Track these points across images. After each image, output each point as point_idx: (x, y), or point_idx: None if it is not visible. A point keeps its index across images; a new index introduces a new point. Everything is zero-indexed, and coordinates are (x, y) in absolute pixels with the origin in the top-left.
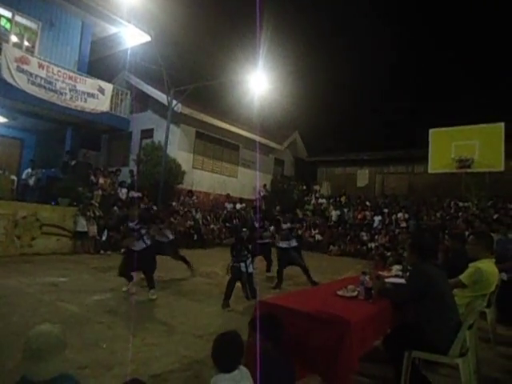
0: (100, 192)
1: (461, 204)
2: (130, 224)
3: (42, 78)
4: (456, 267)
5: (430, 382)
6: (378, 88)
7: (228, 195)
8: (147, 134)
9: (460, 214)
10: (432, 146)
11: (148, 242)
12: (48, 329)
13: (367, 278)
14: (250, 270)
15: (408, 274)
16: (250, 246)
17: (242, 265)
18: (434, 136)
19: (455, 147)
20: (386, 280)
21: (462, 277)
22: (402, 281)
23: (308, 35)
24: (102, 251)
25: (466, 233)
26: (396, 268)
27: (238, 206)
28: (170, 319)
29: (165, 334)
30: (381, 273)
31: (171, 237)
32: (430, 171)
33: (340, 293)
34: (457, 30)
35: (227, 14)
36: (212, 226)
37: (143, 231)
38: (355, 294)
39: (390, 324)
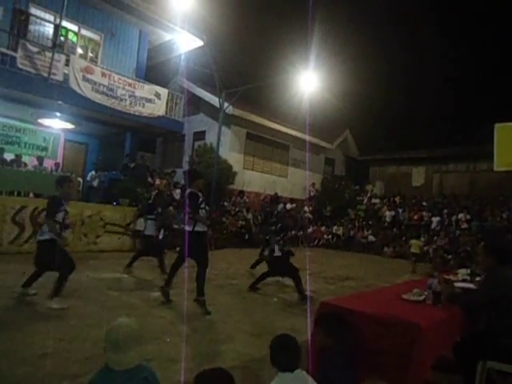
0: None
1: None
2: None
3: (104, 85)
4: None
5: None
6: (434, 82)
7: (275, 194)
8: (199, 136)
9: None
10: (498, 142)
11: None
12: (126, 322)
13: (435, 281)
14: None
15: (484, 278)
16: None
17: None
18: (500, 131)
19: None
20: (455, 285)
21: None
22: (472, 286)
23: (360, 32)
24: None
25: None
26: (463, 272)
27: (289, 206)
28: (227, 317)
29: (223, 331)
30: (447, 277)
31: None
32: (495, 169)
33: (405, 296)
34: None
35: (278, 14)
36: (263, 226)
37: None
38: (422, 298)
39: (461, 331)
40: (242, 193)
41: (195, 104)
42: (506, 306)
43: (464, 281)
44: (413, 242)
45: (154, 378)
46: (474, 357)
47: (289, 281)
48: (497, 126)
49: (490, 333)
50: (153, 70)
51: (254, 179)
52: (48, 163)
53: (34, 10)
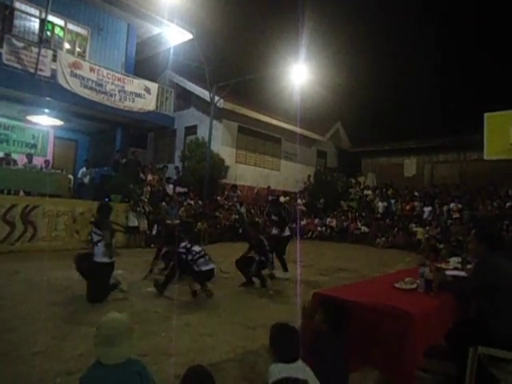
0: (149, 188)
1: None
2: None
3: (93, 81)
4: None
5: (498, 381)
6: (424, 73)
7: (269, 188)
8: (191, 130)
9: None
10: (488, 131)
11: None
12: (116, 316)
13: (427, 269)
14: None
15: (474, 265)
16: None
17: None
18: (489, 120)
19: None
20: (446, 273)
21: None
22: (463, 274)
23: (350, 24)
24: (152, 245)
25: None
26: (454, 260)
27: (282, 199)
28: (222, 310)
29: (218, 324)
30: (439, 265)
31: None
32: (485, 158)
33: (397, 285)
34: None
35: (268, 6)
36: (256, 219)
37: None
38: (414, 286)
39: (453, 319)
40: (234, 187)
41: (186, 98)
42: (497, 293)
43: (455, 269)
44: (418, 229)
45: (145, 372)
46: (466, 343)
47: (281, 273)
48: (486, 115)
49: (480, 319)
50: (142, 65)
51: (247, 173)
52: (38, 160)
53: (18, 5)
